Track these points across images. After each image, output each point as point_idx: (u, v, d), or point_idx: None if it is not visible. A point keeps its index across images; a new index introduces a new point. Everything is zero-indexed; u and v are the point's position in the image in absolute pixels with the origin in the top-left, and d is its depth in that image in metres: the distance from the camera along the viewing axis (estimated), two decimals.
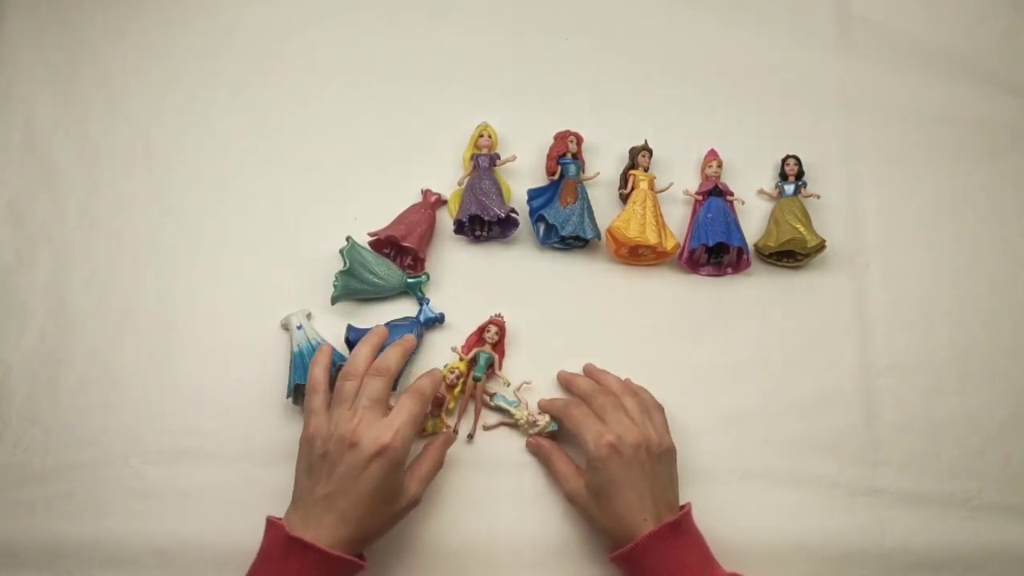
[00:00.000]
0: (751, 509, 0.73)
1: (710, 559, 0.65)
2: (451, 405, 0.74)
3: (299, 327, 0.75)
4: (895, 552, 0.72)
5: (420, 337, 0.76)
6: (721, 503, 0.73)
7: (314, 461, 0.62)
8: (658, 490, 0.66)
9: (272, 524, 0.62)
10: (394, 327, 0.74)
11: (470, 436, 0.74)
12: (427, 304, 0.78)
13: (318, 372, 0.68)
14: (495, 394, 0.75)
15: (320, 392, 0.66)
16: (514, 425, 0.74)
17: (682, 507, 0.67)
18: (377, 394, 0.64)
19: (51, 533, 0.70)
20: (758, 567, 0.71)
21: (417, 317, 0.77)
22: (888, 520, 0.73)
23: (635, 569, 0.65)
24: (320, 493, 0.61)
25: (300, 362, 0.73)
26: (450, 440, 0.72)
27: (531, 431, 0.73)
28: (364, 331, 0.74)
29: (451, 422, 0.74)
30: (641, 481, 0.65)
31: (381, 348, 0.69)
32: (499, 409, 0.75)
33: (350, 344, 0.75)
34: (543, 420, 0.73)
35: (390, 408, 0.64)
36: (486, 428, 0.75)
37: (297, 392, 0.73)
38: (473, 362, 0.75)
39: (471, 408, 0.75)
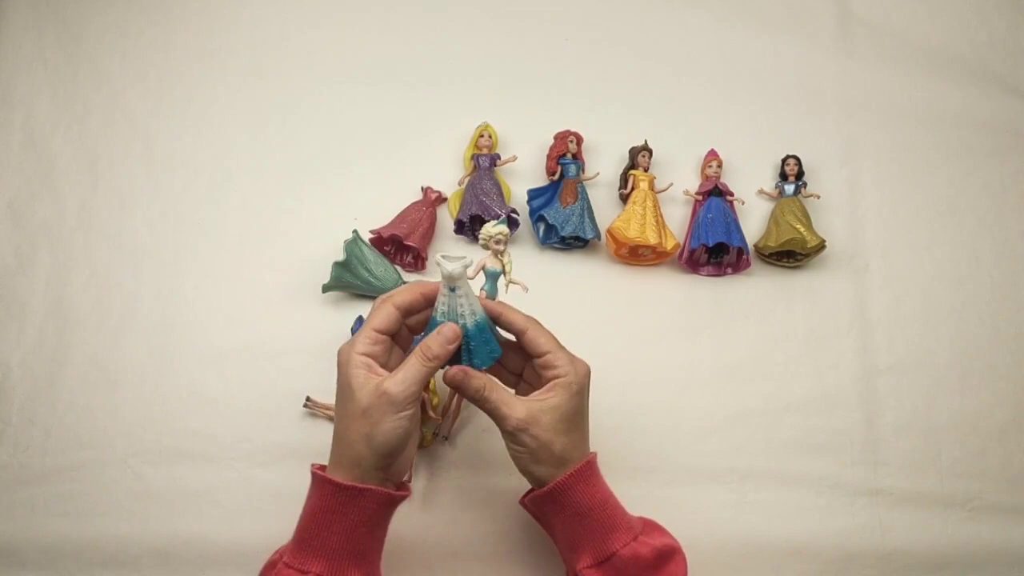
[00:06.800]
0: (751, 509, 0.73)
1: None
2: (435, 402, 0.73)
3: (454, 290, 0.60)
4: (895, 552, 0.72)
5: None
6: (721, 503, 0.73)
7: None
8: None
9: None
10: None
11: (445, 437, 0.74)
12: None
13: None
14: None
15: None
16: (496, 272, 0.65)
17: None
18: (368, 318, 0.61)
19: (51, 533, 0.70)
20: (759, 567, 0.71)
21: None
22: (888, 520, 0.73)
23: (557, 506, 0.61)
24: None
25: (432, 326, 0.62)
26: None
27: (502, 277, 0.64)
28: None
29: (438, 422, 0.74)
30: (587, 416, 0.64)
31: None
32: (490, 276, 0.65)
33: None
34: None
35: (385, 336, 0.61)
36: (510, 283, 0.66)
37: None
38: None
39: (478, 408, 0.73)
